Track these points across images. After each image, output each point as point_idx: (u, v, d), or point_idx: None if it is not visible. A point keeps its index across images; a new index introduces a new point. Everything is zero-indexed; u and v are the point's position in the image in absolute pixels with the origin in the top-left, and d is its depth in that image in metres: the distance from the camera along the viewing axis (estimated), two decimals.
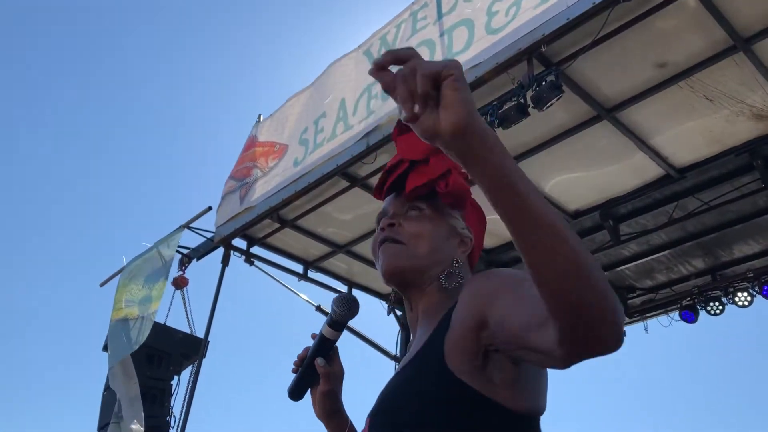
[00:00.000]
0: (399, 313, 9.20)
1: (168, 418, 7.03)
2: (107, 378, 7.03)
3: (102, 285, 8.51)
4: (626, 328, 8.60)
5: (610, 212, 7.06)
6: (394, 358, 8.88)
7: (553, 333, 0.93)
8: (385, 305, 9.07)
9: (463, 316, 1.17)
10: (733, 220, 7.04)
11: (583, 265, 0.87)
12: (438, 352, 1.17)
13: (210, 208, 7.77)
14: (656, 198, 6.89)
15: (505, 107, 5.12)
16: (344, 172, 6.58)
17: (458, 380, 1.13)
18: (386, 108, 5.97)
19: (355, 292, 8.76)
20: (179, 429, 6.75)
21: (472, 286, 1.21)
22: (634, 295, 8.44)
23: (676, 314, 8.03)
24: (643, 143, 6.10)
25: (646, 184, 6.64)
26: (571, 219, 7.09)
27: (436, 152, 1.35)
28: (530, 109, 5.05)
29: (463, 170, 1.11)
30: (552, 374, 1.26)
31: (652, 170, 6.48)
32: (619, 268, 8.02)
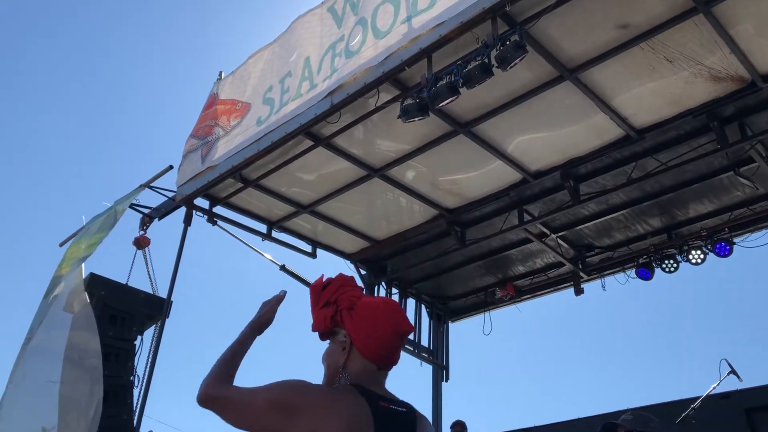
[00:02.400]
0: (363, 272, 9.27)
1: (132, 377, 7.02)
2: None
3: (61, 245, 8.38)
4: (584, 286, 8.83)
5: (571, 172, 7.17)
6: None
7: None
8: (351, 264, 9.13)
9: None
10: (690, 180, 7.22)
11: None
12: None
13: (171, 167, 7.66)
14: (616, 158, 7.01)
15: (470, 67, 5.12)
16: (308, 132, 6.53)
17: None
18: (350, 66, 5.92)
19: (320, 252, 8.79)
20: (143, 388, 6.76)
21: None
22: (593, 253, 8.64)
23: (632, 272, 8.25)
24: (604, 104, 6.18)
25: (606, 145, 6.74)
26: (532, 179, 7.19)
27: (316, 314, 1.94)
28: (494, 69, 5.06)
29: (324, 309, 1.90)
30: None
31: (612, 131, 6.58)
32: (578, 227, 8.19)
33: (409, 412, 1.81)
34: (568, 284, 9.01)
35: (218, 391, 1.75)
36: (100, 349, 6.54)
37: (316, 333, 1.95)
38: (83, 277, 6.90)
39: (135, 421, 6.66)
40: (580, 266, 8.69)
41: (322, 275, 1.99)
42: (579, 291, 8.83)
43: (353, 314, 1.84)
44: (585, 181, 7.30)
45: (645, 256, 8.10)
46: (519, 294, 9.42)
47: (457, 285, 9.75)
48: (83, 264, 7.03)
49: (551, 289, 9.28)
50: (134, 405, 6.94)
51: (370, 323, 1.82)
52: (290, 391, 1.67)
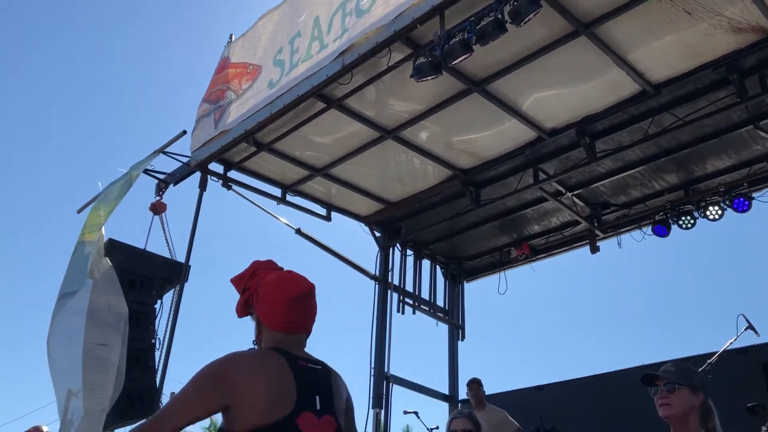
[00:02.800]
0: (378, 234, 9.29)
1: (153, 340, 7.13)
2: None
3: (79, 211, 8.44)
4: (600, 244, 8.81)
5: (587, 130, 7.09)
6: (373, 277, 9.02)
7: None
8: (365, 227, 9.15)
9: None
10: (708, 135, 7.12)
11: None
12: None
13: (185, 132, 7.65)
14: (632, 114, 6.91)
15: (483, 23, 5.03)
16: (320, 94, 6.48)
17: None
18: (361, 26, 5.83)
19: (334, 215, 8.82)
20: (164, 351, 6.88)
21: None
22: (609, 211, 8.59)
23: (649, 229, 8.21)
24: (620, 59, 6.06)
25: (623, 101, 6.64)
26: (548, 137, 7.12)
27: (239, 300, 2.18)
28: (508, 25, 4.97)
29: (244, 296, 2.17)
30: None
31: (628, 86, 6.47)
32: (594, 185, 8.13)
33: (323, 369, 2.10)
34: (584, 243, 8.99)
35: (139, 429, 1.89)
36: (125, 311, 6.65)
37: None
38: (103, 242, 6.97)
39: (158, 383, 6.79)
40: (596, 224, 8.65)
41: (244, 270, 2.24)
42: (595, 249, 8.81)
43: (258, 296, 2.10)
44: (601, 138, 7.22)
45: (661, 213, 8.04)
46: (534, 253, 9.42)
47: (472, 245, 9.75)
48: (103, 230, 7.11)
49: (567, 247, 9.27)
50: (156, 367, 7.07)
51: (267, 300, 2.09)
52: (216, 367, 1.93)
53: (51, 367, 6.73)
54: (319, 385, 2.03)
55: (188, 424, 1.91)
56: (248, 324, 2.19)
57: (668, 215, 7.99)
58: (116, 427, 6.90)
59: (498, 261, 9.71)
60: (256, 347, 2.15)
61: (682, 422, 2.50)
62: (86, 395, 6.63)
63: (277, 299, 2.09)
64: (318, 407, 1.97)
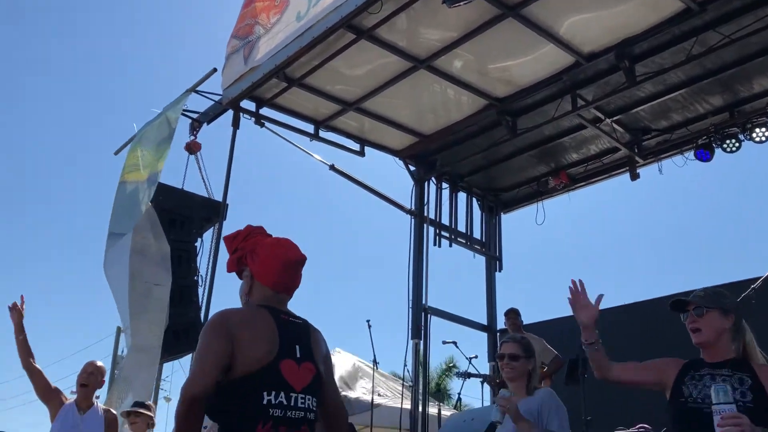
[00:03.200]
0: (412, 168, 9.23)
1: (195, 278, 7.31)
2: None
3: (116, 153, 8.57)
4: (640, 170, 8.62)
5: (626, 52, 6.82)
6: (409, 212, 9.02)
7: None
8: (399, 161, 9.09)
9: None
10: (755, 54, 6.79)
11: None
12: None
13: (215, 69, 7.60)
14: (674, 34, 6.62)
15: None
16: (349, 24, 6.33)
17: None
18: None
19: (368, 150, 8.77)
20: (207, 288, 7.05)
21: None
22: (649, 136, 8.36)
23: (691, 154, 7.98)
24: None
25: (664, 21, 6.35)
26: (586, 62, 6.89)
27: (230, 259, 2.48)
28: None
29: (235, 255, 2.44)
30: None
31: (670, 5, 6.17)
32: (634, 110, 7.89)
33: (303, 323, 2.40)
34: (624, 170, 8.81)
35: (185, 389, 2.08)
36: (168, 250, 6.81)
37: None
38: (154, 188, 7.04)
39: (202, 319, 6.99)
40: (636, 150, 8.45)
41: (238, 231, 2.51)
42: (635, 176, 8.63)
43: (254, 255, 2.37)
44: (641, 61, 6.95)
45: (705, 137, 7.80)
46: (572, 182, 9.28)
47: (509, 176, 9.64)
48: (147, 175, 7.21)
49: (606, 175, 9.10)
50: (200, 304, 7.26)
51: (265, 259, 2.36)
52: (218, 320, 2.21)
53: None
54: (299, 336, 2.31)
55: (218, 368, 2.11)
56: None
57: (712, 139, 7.75)
58: (165, 360, 7.18)
59: (535, 191, 9.60)
60: (241, 301, 2.44)
61: (714, 345, 2.51)
62: (136, 332, 6.89)
63: (274, 260, 2.37)
64: (298, 355, 2.25)
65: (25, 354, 4.49)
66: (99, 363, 4.66)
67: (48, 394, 4.53)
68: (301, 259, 2.44)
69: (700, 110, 7.83)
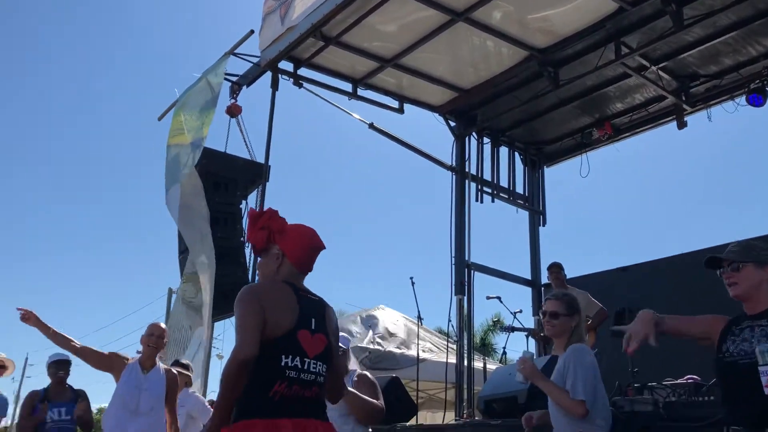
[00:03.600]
0: (452, 124, 9.14)
1: (242, 238, 7.45)
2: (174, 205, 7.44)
3: (160, 119, 8.70)
4: (688, 118, 8.38)
5: None
6: (450, 168, 8.97)
7: None
8: (439, 117, 9.01)
9: None
10: None
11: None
12: None
13: (252, 31, 7.60)
14: None
15: None
16: None
17: None
18: None
19: (407, 107, 8.70)
20: (252, 248, 7.16)
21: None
22: (698, 82, 8.09)
23: (742, 99, 7.70)
24: None
25: None
26: (630, 7, 6.65)
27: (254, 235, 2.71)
28: None
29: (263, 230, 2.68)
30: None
31: None
32: (681, 56, 7.63)
33: (320, 300, 2.72)
34: (670, 118, 8.56)
35: (235, 356, 2.36)
36: (207, 213, 6.94)
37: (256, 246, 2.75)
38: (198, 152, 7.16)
39: (249, 279, 7.14)
40: (683, 98, 8.19)
41: (251, 209, 2.86)
42: (682, 124, 8.39)
43: (284, 235, 2.67)
44: (689, 4, 6.66)
45: (757, 81, 7.51)
46: (617, 133, 9.08)
47: (552, 128, 9.48)
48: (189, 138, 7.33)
49: (652, 124, 8.87)
50: (247, 264, 7.41)
51: (297, 240, 2.68)
52: (251, 293, 2.49)
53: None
54: (315, 311, 2.62)
55: (258, 334, 2.39)
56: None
57: (765, 82, 7.45)
58: (215, 319, 7.39)
59: (579, 143, 9.42)
60: (262, 276, 2.73)
61: (752, 298, 2.48)
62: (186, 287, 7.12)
63: (307, 243, 2.71)
64: (313, 327, 2.57)
65: (64, 342, 4.62)
66: (162, 325, 4.84)
67: (104, 362, 4.68)
68: (323, 247, 2.78)
69: (752, 53, 7.52)
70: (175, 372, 4.90)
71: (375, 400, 3.90)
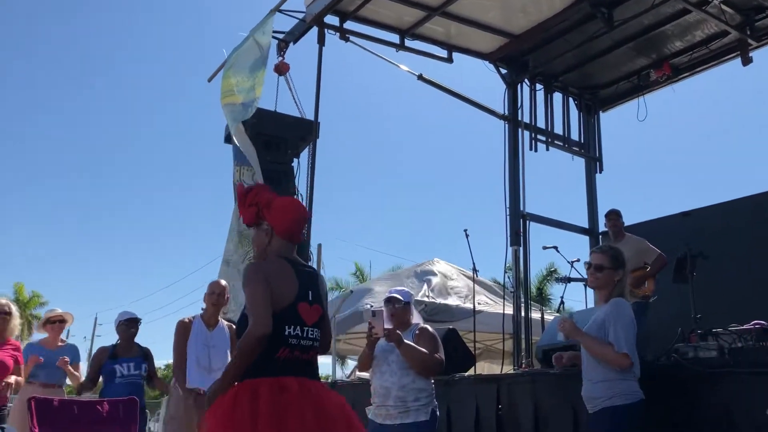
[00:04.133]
0: (503, 71, 8.94)
1: (295, 196, 7.50)
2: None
3: (210, 80, 8.75)
4: (753, 54, 7.98)
5: None
6: (502, 117, 8.81)
7: None
8: (489, 64, 8.81)
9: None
10: None
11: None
12: None
13: None
14: None
15: None
16: None
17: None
18: None
19: (456, 56, 8.53)
20: (307, 206, 7.24)
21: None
22: (764, 15, 7.65)
23: None
24: None
25: None
26: None
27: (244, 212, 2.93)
28: None
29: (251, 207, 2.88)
30: None
31: None
32: None
33: (312, 271, 3.00)
34: (734, 55, 8.17)
35: (253, 331, 2.60)
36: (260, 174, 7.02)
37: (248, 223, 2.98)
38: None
39: (304, 236, 7.22)
40: (748, 32, 7.76)
41: (239, 185, 3.22)
42: (747, 60, 7.98)
43: (271, 210, 2.84)
44: None
45: None
46: (676, 73, 8.72)
47: (607, 72, 9.16)
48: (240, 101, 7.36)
49: (713, 62, 8.48)
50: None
51: (283, 214, 2.85)
52: (258, 272, 2.72)
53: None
54: (311, 282, 2.88)
55: (270, 308, 2.64)
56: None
57: None
58: None
59: (636, 86, 9.10)
60: (256, 251, 2.94)
61: None
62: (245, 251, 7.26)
63: (293, 215, 2.88)
64: (310, 299, 2.83)
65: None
66: (223, 282, 5.00)
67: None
68: (307, 216, 3.02)
69: None
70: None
71: (433, 353, 3.97)
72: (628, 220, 7.07)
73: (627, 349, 3.16)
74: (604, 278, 3.41)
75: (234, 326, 5.09)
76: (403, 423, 3.86)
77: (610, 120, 9.89)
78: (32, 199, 70.30)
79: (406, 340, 3.88)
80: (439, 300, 9.48)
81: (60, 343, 5.68)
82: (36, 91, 75.10)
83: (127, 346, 5.53)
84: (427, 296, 9.49)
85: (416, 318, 4.33)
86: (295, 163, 7.78)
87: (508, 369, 7.70)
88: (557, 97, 9.38)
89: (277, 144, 7.53)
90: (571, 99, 9.52)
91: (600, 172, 9.51)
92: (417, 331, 4.11)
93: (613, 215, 6.87)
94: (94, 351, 5.97)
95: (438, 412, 4.14)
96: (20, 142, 71.21)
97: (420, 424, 3.89)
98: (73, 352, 5.71)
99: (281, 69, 7.81)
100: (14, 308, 5.02)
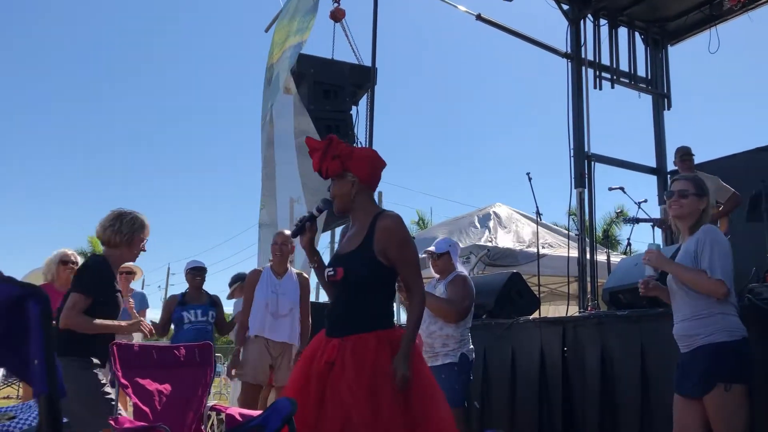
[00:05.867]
0: (566, 6, 8.61)
1: (355, 144, 7.52)
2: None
3: (267, 30, 8.76)
4: None
5: None
6: (565, 55, 8.52)
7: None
8: (551, 1, 8.49)
9: (378, 239, 2.78)
10: None
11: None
12: (370, 248, 2.77)
13: None
14: None
15: None
16: None
17: (378, 260, 2.77)
18: None
19: None
20: None
21: (384, 225, 2.81)
22: None
23: None
24: None
25: None
26: None
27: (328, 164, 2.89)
28: None
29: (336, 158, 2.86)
30: None
31: None
32: None
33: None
34: None
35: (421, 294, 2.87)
36: (305, 128, 7.04)
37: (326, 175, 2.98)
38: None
39: None
40: None
41: (308, 138, 3.00)
42: None
43: (353, 160, 2.87)
44: None
45: None
46: (752, 0, 8.20)
47: (676, 2, 8.70)
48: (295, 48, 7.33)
49: None
50: None
51: (366, 163, 2.91)
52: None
53: (274, 180, 7.48)
54: None
55: None
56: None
57: None
58: (335, 226, 7.66)
59: (707, 16, 8.61)
60: (341, 201, 2.94)
61: None
62: (307, 200, 7.34)
63: (373, 164, 2.94)
64: None
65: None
66: (286, 232, 5.10)
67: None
68: (385, 164, 3.00)
69: None
70: (306, 276, 5.19)
71: (460, 301, 4.36)
72: (699, 157, 6.81)
73: (722, 276, 2.90)
74: (689, 205, 3.15)
75: (304, 274, 5.22)
76: (433, 366, 4.13)
77: (680, 53, 9.47)
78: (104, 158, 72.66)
79: (427, 290, 4.07)
80: (502, 244, 9.43)
81: (128, 293, 5.96)
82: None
83: (195, 294, 5.75)
84: (490, 241, 9.46)
85: (459, 267, 4.65)
86: (353, 111, 7.77)
87: (573, 312, 7.66)
88: (622, 32, 8.98)
89: (335, 92, 7.51)
90: (637, 33, 9.10)
91: (668, 109, 9.14)
92: (451, 278, 4.47)
93: (684, 153, 6.63)
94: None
95: (471, 356, 4.46)
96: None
97: (447, 366, 4.30)
98: (138, 298, 5.97)
99: (337, 15, 7.73)
100: (80, 259, 5.23)
